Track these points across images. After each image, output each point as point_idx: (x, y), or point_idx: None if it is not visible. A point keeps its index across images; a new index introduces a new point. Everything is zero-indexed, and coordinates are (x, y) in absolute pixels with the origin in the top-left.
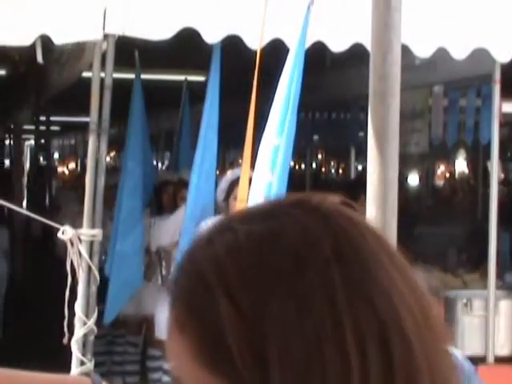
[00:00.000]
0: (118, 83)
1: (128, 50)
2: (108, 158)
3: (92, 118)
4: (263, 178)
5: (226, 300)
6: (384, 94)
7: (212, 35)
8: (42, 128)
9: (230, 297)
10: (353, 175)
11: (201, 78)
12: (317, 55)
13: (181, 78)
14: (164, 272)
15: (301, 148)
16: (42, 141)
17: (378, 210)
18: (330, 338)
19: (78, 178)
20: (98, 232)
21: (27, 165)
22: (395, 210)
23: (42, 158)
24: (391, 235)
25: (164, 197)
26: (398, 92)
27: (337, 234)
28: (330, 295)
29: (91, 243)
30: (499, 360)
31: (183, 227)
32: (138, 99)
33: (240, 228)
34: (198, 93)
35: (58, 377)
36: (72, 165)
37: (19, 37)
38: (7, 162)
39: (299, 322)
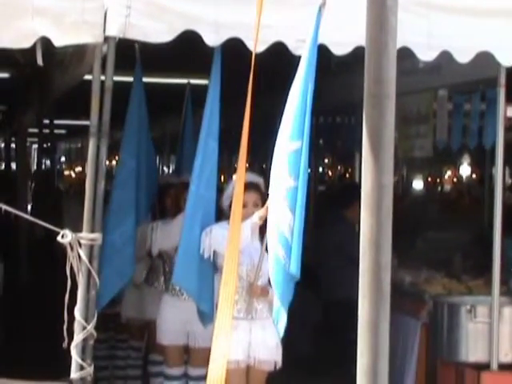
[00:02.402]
0: (121, 87)
1: (131, 54)
2: (114, 162)
3: (92, 121)
4: (284, 183)
5: None
6: (379, 97)
7: (213, 38)
8: (46, 131)
9: None
10: (358, 180)
11: (204, 82)
12: (321, 59)
13: (184, 81)
14: (167, 276)
15: None
16: (48, 144)
17: (372, 216)
18: None
19: (84, 181)
20: (97, 236)
21: (33, 168)
22: (390, 215)
23: (48, 162)
24: (386, 241)
25: (167, 200)
26: (393, 95)
27: None
28: None
29: (91, 247)
30: (503, 367)
31: (182, 235)
32: (137, 95)
33: None
34: (201, 96)
35: None
36: (78, 168)
37: (19, 39)
38: (14, 166)
39: None
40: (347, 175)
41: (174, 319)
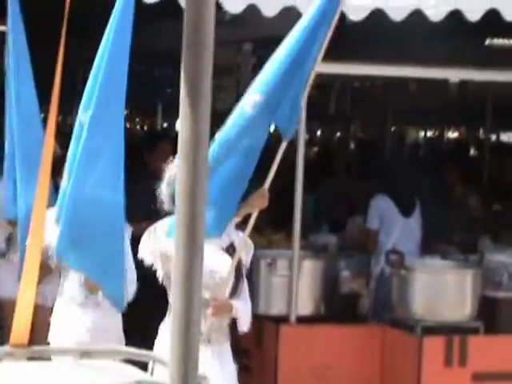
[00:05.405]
0: None
1: None
2: None
3: None
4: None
5: None
6: (198, 47)
7: None
8: None
9: None
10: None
11: None
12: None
13: None
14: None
15: None
16: None
17: (189, 165)
18: None
19: None
20: None
21: None
22: (206, 164)
23: None
24: (201, 191)
25: None
26: (211, 45)
27: None
28: None
29: None
30: (301, 320)
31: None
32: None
33: None
34: None
35: None
36: None
37: None
38: None
39: None
40: (146, 127)
41: None
